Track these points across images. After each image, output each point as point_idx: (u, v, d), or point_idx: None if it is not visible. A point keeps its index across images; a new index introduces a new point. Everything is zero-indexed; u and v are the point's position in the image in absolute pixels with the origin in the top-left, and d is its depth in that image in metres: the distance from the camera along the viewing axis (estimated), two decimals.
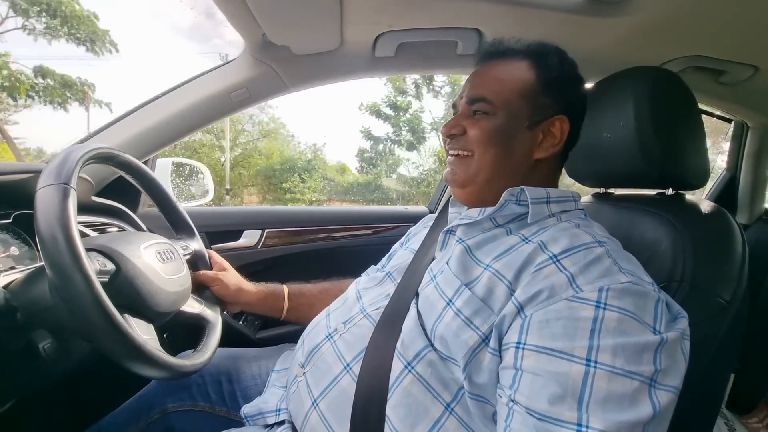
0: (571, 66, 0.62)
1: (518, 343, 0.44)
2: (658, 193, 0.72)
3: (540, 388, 0.40)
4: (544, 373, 0.41)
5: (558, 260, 0.47)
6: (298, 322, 0.85)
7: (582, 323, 0.41)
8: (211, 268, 0.83)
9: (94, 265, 0.49)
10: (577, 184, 0.83)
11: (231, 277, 0.82)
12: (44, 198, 0.46)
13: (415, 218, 1.07)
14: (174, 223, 0.82)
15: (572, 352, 0.40)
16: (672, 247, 0.58)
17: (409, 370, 0.50)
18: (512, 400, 0.42)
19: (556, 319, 0.43)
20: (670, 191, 0.69)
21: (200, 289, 0.78)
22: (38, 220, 0.45)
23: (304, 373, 0.59)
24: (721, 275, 0.56)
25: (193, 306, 0.71)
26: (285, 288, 0.86)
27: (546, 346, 0.42)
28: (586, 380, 0.39)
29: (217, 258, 0.85)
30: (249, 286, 0.83)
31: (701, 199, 0.72)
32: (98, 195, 0.92)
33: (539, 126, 0.59)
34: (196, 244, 0.81)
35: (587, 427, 0.37)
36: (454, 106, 0.65)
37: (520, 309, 0.45)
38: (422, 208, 1.52)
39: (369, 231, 1.35)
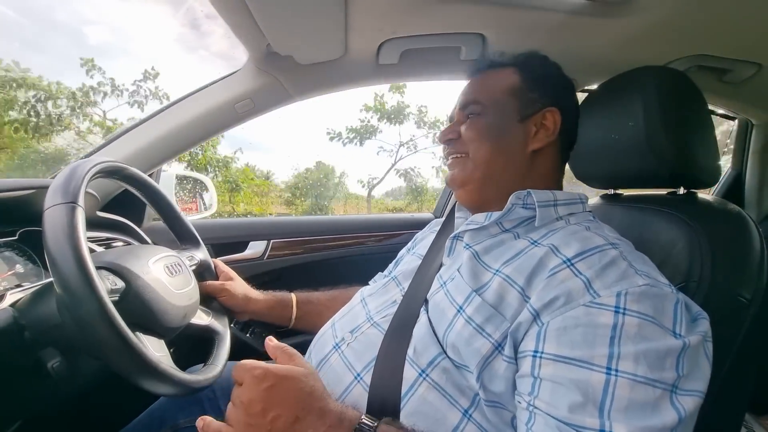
0: (554, 66, 0.66)
1: (535, 351, 0.43)
2: (669, 193, 0.71)
3: (560, 396, 0.40)
4: (564, 381, 0.40)
5: (572, 264, 0.46)
6: (306, 331, 0.84)
7: (601, 330, 0.40)
8: (217, 278, 0.82)
9: (105, 285, 0.49)
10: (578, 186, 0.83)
11: (238, 286, 0.81)
12: (53, 219, 0.46)
13: (420, 225, 1.07)
14: (179, 234, 0.81)
15: (592, 361, 0.40)
16: (688, 246, 0.57)
17: (424, 378, 0.49)
18: (532, 405, 0.41)
19: (574, 326, 0.42)
20: (681, 190, 0.68)
21: (207, 300, 0.77)
22: (48, 242, 0.44)
23: None
24: (740, 273, 0.55)
25: (201, 318, 0.70)
26: (293, 296, 0.85)
27: (565, 354, 0.41)
28: (607, 389, 0.38)
29: (223, 267, 0.84)
30: (257, 294, 0.82)
31: (714, 197, 0.71)
32: (103, 209, 0.92)
33: (531, 119, 0.61)
34: (202, 254, 0.81)
35: None
36: (450, 118, 0.69)
37: (536, 316, 0.44)
38: (428, 215, 1.51)
39: (375, 239, 1.34)
